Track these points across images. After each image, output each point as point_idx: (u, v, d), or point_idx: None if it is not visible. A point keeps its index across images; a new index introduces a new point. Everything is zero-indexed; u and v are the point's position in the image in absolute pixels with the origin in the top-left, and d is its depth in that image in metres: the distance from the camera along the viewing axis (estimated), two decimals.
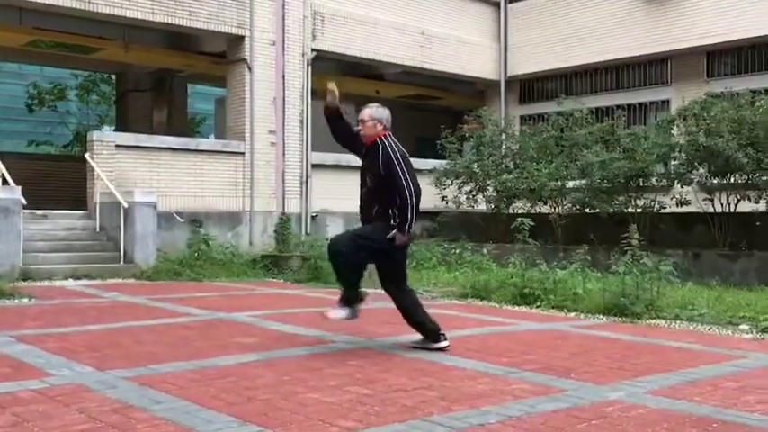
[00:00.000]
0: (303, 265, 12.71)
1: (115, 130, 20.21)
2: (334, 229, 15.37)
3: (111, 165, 12.96)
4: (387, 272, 6.07)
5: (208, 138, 21.04)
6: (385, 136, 5.95)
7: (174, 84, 19.52)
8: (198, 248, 13.11)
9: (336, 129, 6.13)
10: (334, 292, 10.50)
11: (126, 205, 12.07)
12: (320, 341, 6.27)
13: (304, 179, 15.26)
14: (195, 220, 13.64)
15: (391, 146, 5.88)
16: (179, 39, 15.82)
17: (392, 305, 6.20)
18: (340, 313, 5.94)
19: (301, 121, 15.29)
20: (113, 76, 22.41)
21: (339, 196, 15.60)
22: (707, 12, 15.63)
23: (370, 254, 5.88)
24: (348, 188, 15.79)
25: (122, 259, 12.13)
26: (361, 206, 6.08)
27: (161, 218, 12.81)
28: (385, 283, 6.13)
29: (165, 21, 13.59)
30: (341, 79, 18.79)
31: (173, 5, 13.58)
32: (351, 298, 5.91)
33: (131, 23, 13.78)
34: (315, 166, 15.37)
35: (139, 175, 13.27)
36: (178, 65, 17.62)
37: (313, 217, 15.30)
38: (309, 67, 15.41)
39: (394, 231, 5.77)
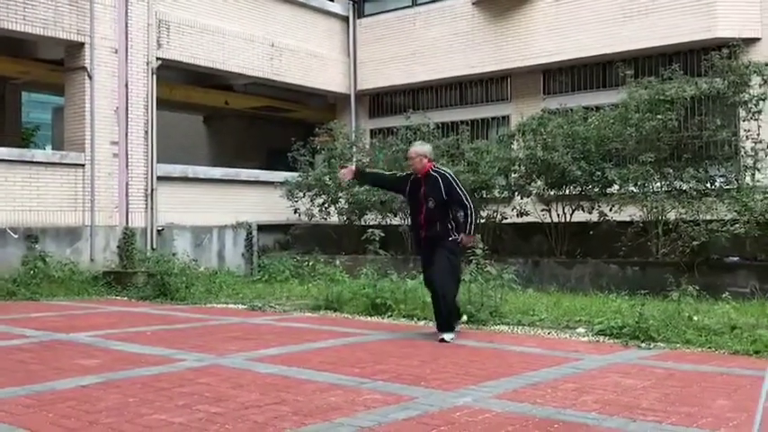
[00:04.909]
0: (149, 282, 12.27)
1: None
2: (182, 243, 14.93)
3: None
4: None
5: (44, 148, 19.91)
6: (434, 167, 7.48)
7: (6, 91, 18.37)
8: (34, 266, 12.36)
9: (377, 183, 8.51)
10: (183, 308, 10.25)
11: None
12: (167, 360, 6.07)
13: (149, 192, 14.71)
14: (30, 236, 12.86)
15: (448, 174, 7.46)
16: (13, 44, 14.88)
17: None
18: (452, 334, 7.28)
19: (146, 132, 14.76)
20: None
21: (186, 209, 15.19)
22: (543, 33, 16.49)
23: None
24: (196, 201, 15.59)
25: None
26: (419, 224, 7.44)
27: None
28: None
29: None
30: (188, 89, 18.50)
31: (4, 9, 12.75)
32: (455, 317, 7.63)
33: None
34: (161, 179, 14.86)
35: None
36: (12, 71, 16.56)
37: (159, 231, 14.77)
38: (154, 76, 14.92)
39: (461, 235, 7.34)
